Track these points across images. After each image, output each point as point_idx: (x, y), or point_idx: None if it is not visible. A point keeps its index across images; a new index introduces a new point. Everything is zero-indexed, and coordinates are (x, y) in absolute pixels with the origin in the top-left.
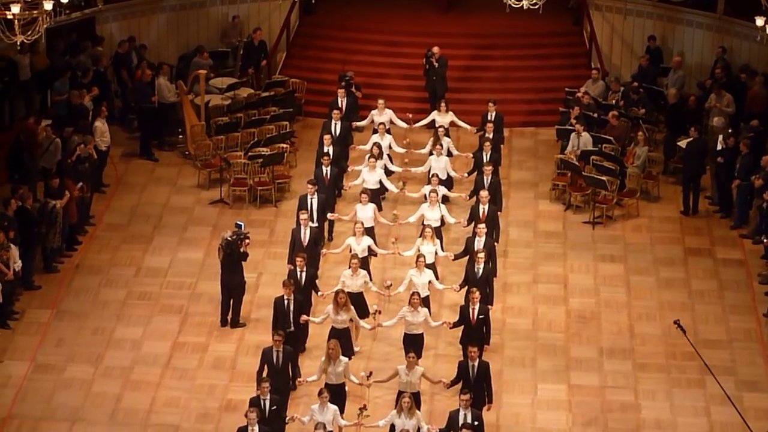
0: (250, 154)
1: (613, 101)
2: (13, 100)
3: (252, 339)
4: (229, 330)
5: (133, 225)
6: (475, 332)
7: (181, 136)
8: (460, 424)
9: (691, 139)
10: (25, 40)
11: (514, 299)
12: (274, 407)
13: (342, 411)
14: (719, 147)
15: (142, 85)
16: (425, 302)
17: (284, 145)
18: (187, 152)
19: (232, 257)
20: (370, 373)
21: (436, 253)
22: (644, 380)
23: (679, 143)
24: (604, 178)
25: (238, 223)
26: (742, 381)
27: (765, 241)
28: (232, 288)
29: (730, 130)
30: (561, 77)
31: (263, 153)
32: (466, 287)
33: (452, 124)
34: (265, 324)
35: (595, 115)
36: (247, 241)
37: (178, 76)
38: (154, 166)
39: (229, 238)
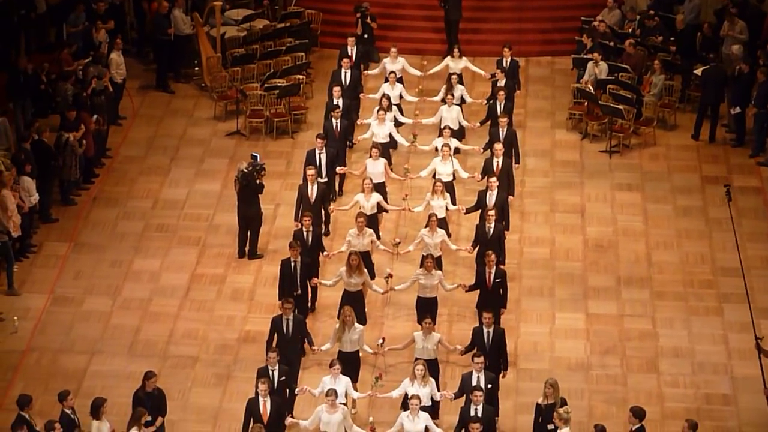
0: (266, 85)
1: (630, 30)
2: (28, 32)
3: (270, 270)
4: (246, 261)
5: (150, 157)
6: (491, 296)
7: (197, 68)
8: (472, 386)
9: (707, 66)
10: None
11: (531, 228)
12: (283, 378)
13: (356, 379)
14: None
15: (159, 18)
16: (437, 263)
17: (300, 77)
18: (203, 84)
19: (249, 189)
20: (383, 340)
21: (446, 208)
22: (662, 308)
23: (695, 71)
24: (620, 106)
25: (254, 154)
26: (759, 308)
27: None
28: (249, 219)
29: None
30: (577, 6)
31: (279, 84)
32: (478, 247)
33: (466, 69)
34: (283, 254)
35: (612, 43)
36: (263, 172)
37: (194, 8)
38: (170, 98)
39: (245, 170)
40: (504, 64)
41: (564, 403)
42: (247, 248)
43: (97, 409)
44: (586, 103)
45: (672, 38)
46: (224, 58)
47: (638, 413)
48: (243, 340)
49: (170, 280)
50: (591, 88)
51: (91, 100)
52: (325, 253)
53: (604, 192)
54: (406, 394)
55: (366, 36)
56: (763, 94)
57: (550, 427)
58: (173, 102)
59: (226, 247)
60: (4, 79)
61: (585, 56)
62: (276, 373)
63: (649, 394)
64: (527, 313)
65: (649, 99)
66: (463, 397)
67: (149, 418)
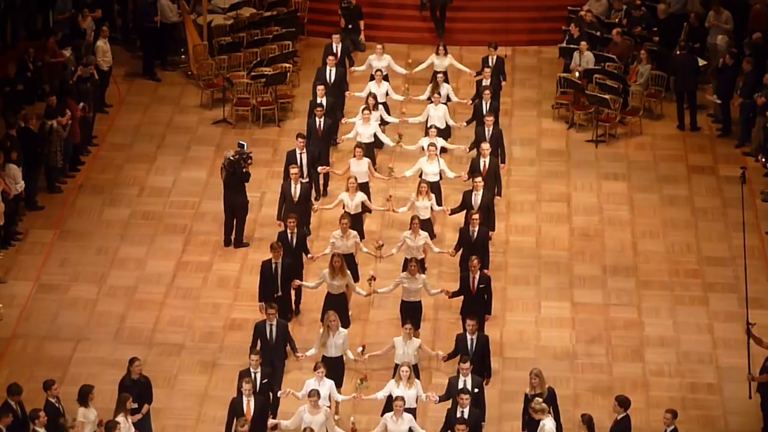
0: (252, 73)
1: (616, 20)
2: (14, 19)
3: (255, 258)
4: (232, 249)
5: (136, 144)
6: (475, 302)
7: (183, 56)
8: (459, 389)
9: (680, 54)
10: None
11: (517, 218)
12: (265, 380)
13: (340, 384)
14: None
15: (145, 5)
16: (421, 266)
17: (287, 65)
18: (189, 72)
19: (235, 177)
20: (363, 348)
21: (431, 209)
22: (647, 298)
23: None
24: (606, 96)
25: (241, 143)
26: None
27: (763, 160)
28: (235, 207)
29: (734, 49)
30: None
31: (266, 72)
32: (462, 251)
33: (451, 67)
34: (269, 242)
35: (598, 33)
36: (249, 161)
37: None
38: (156, 85)
39: (232, 158)
40: (489, 63)
41: (552, 392)
42: (233, 236)
43: (84, 396)
44: (572, 93)
45: (654, 28)
46: (211, 46)
47: (623, 402)
48: (229, 327)
49: (156, 267)
50: (577, 75)
51: (77, 87)
52: (309, 255)
53: (590, 181)
54: (389, 397)
55: (350, 27)
56: (749, 84)
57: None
58: (160, 90)
59: (212, 235)
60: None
61: (572, 46)
62: (258, 376)
63: (635, 383)
64: (513, 302)
65: (636, 88)
66: (450, 401)
67: (135, 405)
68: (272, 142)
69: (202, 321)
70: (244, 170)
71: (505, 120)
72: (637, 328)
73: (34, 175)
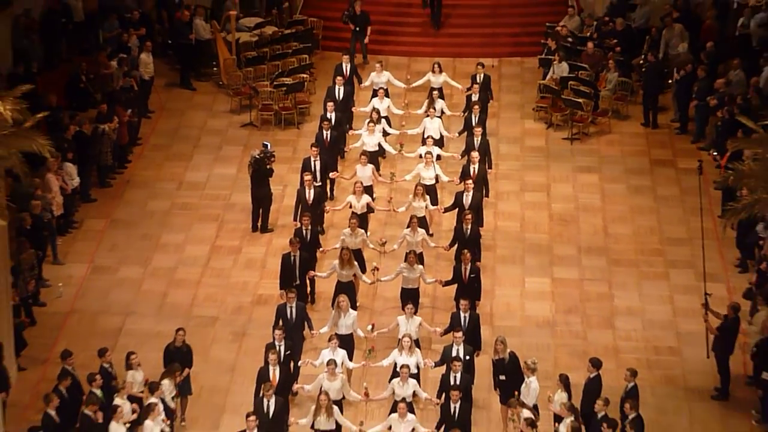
0: (275, 83)
1: (588, 34)
2: (68, 38)
3: (279, 242)
4: (258, 235)
5: (175, 145)
6: (467, 290)
7: (215, 69)
8: (452, 357)
9: (648, 63)
10: None
11: (504, 205)
12: (288, 352)
13: (351, 358)
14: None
15: (182, 25)
16: (419, 259)
17: (304, 75)
18: (220, 82)
19: (260, 172)
20: (373, 326)
21: (426, 208)
22: (617, 273)
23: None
24: (580, 100)
25: (265, 143)
26: (701, 273)
27: (715, 154)
28: (261, 199)
29: (691, 56)
30: (543, 13)
31: (286, 82)
32: (457, 246)
33: (445, 83)
34: (290, 230)
35: (572, 45)
36: (273, 158)
37: (213, 17)
38: (192, 94)
39: (257, 156)
40: (477, 80)
41: (513, 355)
42: (259, 223)
43: (128, 361)
44: (550, 97)
45: (615, 40)
46: (239, 60)
47: (596, 363)
48: (256, 302)
49: (193, 251)
50: (554, 84)
51: (122, 96)
52: (321, 249)
53: (566, 173)
54: (395, 366)
55: (358, 29)
56: (704, 89)
57: (502, 378)
58: (195, 97)
59: (241, 223)
60: (55, 77)
61: (549, 57)
62: (282, 348)
63: (606, 347)
64: (501, 278)
65: (605, 93)
66: (444, 366)
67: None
68: (292, 142)
69: (233, 297)
70: (268, 167)
71: (493, 121)
72: (607, 299)
73: (88, 172)
